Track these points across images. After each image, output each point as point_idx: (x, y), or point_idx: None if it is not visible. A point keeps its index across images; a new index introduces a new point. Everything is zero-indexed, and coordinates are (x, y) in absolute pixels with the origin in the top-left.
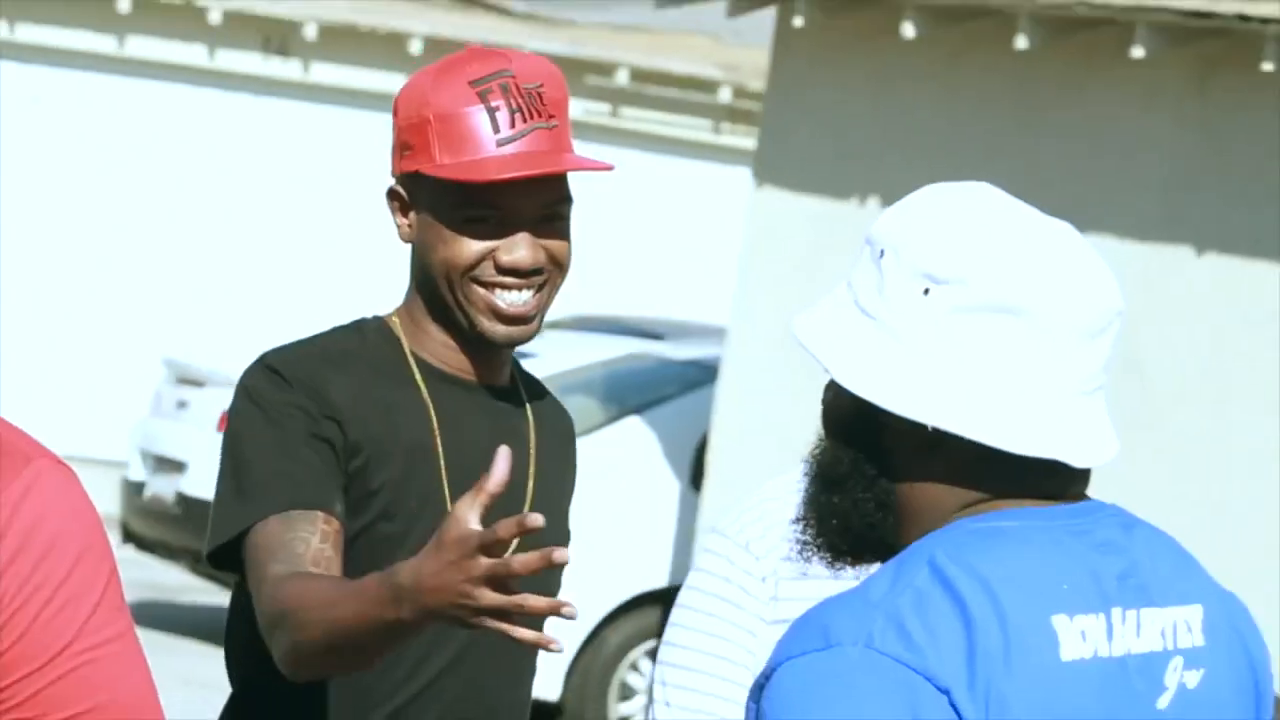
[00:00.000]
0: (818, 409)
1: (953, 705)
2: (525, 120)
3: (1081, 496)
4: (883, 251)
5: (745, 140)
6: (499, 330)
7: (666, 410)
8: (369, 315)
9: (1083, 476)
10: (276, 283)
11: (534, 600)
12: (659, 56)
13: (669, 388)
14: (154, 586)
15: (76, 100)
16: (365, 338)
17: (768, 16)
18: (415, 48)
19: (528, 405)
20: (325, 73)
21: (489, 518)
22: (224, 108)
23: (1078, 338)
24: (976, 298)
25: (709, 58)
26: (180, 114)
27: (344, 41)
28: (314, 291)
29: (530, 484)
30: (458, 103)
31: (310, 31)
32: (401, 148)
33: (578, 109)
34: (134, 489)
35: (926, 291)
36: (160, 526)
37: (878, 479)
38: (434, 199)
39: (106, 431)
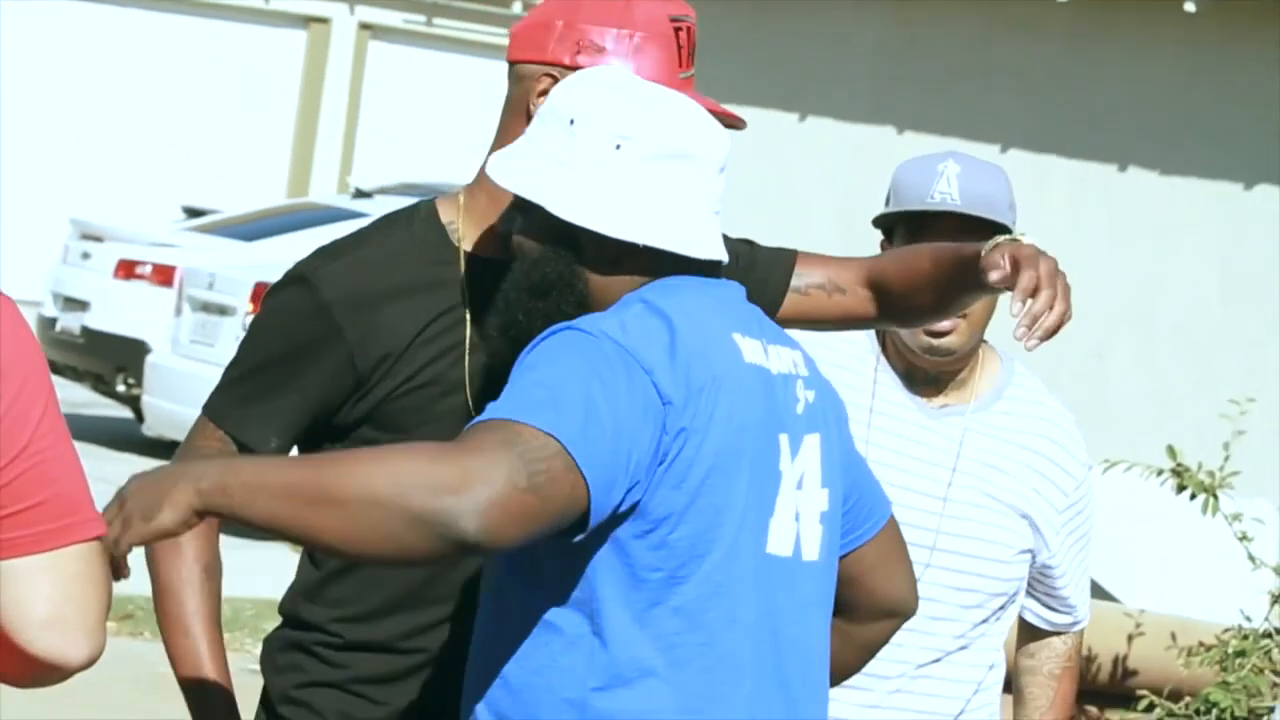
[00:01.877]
0: None
1: (654, 384)
2: (689, 65)
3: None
4: (572, 120)
5: None
6: None
7: None
8: (422, 202)
9: (719, 267)
10: (158, 160)
11: None
12: None
13: None
14: (64, 402)
15: (9, 15)
16: (413, 229)
17: None
18: None
19: None
20: None
21: None
22: (121, 20)
23: (714, 173)
24: (657, 148)
25: None
26: (86, 27)
27: None
28: (184, 167)
29: None
30: (657, 28)
31: None
32: (581, 45)
33: (398, 19)
34: (47, 323)
35: (618, 147)
36: (69, 354)
37: (576, 284)
38: None
39: (25, 277)
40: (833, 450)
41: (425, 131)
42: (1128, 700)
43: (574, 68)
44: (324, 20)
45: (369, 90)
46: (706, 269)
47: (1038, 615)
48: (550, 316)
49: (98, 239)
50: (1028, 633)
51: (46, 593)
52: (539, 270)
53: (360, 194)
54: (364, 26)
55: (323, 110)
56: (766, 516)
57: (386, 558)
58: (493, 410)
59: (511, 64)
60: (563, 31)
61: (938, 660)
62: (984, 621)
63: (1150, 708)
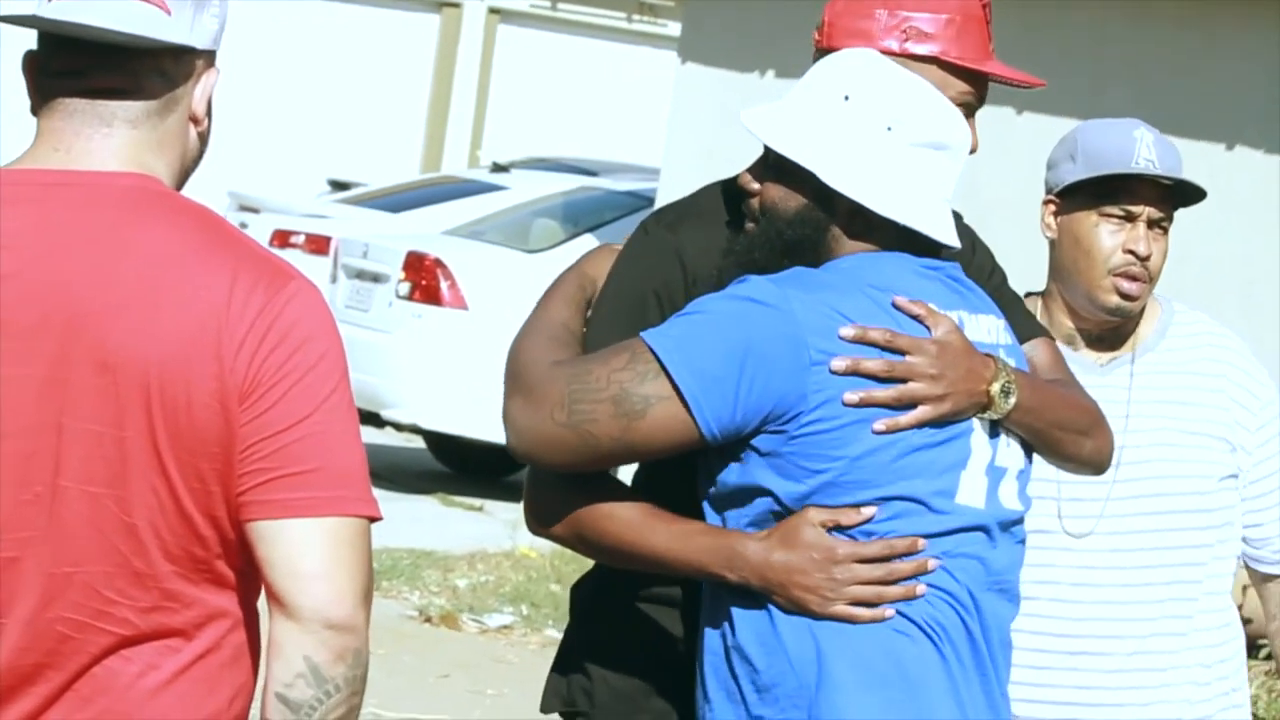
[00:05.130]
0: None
1: (799, 328)
2: (991, 39)
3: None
4: (847, 96)
5: (649, 27)
6: None
7: (612, 229)
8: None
9: (940, 248)
10: (304, 136)
11: (902, 566)
12: None
13: (613, 212)
14: None
15: None
16: (729, 189)
17: None
18: None
19: None
20: None
21: None
22: (269, 7)
23: (958, 166)
24: (924, 136)
25: None
26: (238, 14)
27: None
28: (328, 142)
29: None
30: (972, 9)
31: None
32: (909, 33)
33: (525, 4)
34: None
35: (890, 129)
36: None
37: (820, 247)
38: (937, 74)
39: None
40: None
41: (549, 109)
42: None
43: (903, 55)
44: (456, 5)
45: (497, 70)
46: (931, 247)
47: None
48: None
49: (254, 210)
50: (1260, 580)
51: (317, 552)
52: (794, 230)
53: (498, 168)
54: (493, 11)
55: (454, 89)
56: (959, 471)
57: None
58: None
59: (828, 50)
60: (887, 20)
61: (1168, 615)
62: (1197, 565)
63: None
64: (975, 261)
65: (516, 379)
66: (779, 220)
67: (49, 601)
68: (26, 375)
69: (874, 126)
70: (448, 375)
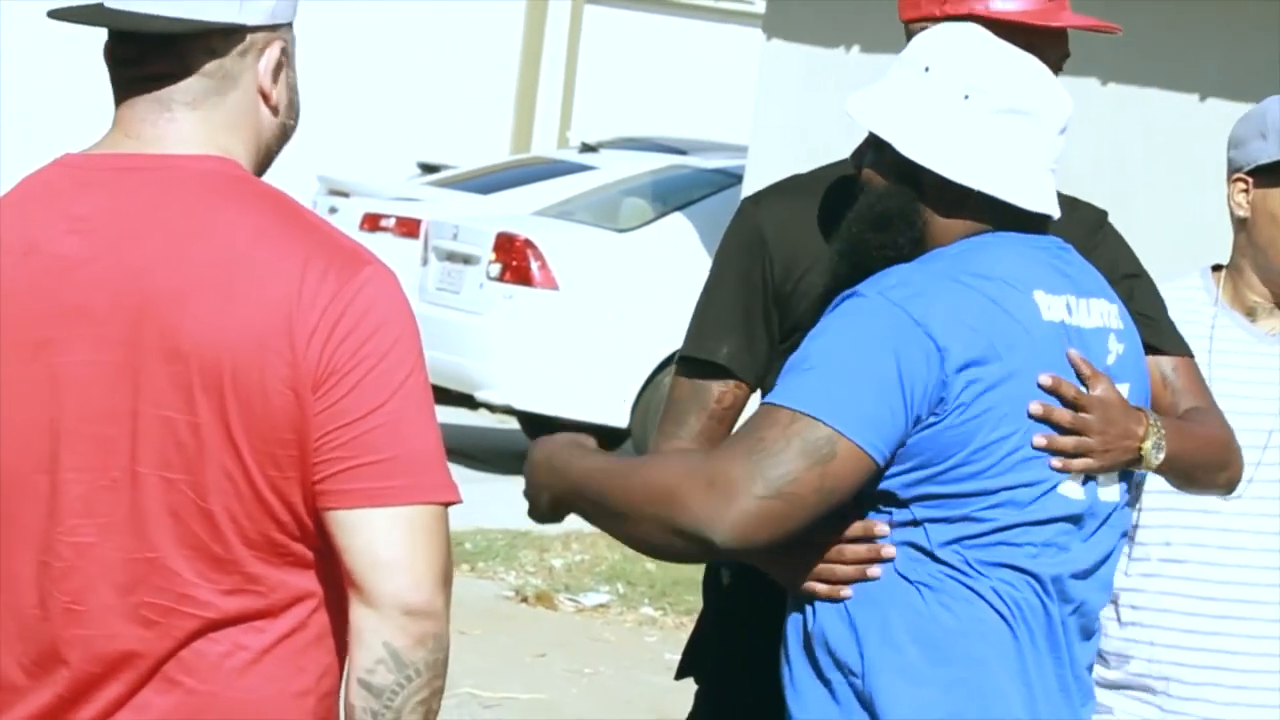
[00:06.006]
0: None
1: (939, 350)
2: None
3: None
4: (927, 68)
5: (735, 5)
6: None
7: (700, 207)
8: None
9: (1048, 221)
10: (393, 120)
11: (856, 549)
12: None
13: (701, 190)
14: None
15: None
16: (834, 169)
17: None
18: None
19: None
20: None
21: None
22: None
23: (1054, 132)
24: (1003, 103)
25: None
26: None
27: None
28: (417, 126)
29: None
30: None
31: None
32: None
33: None
34: None
35: (967, 97)
36: None
37: (914, 221)
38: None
39: None
40: (1137, 400)
41: (637, 89)
42: None
43: (944, 17)
44: None
45: (585, 50)
46: (1036, 222)
47: None
48: (886, 249)
49: (344, 194)
50: None
51: (395, 540)
52: (882, 204)
53: (587, 148)
54: None
55: (542, 69)
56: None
57: (667, 559)
58: (773, 396)
59: (905, 25)
60: None
61: None
62: None
63: None
64: (1120, 271)
65: (676, 491)
66: (871, 194)
67: (132, 587)
68: (102, 361)
69: (951, 95)
70: (540, 356)
